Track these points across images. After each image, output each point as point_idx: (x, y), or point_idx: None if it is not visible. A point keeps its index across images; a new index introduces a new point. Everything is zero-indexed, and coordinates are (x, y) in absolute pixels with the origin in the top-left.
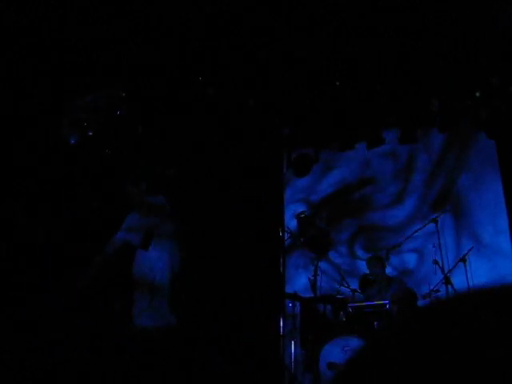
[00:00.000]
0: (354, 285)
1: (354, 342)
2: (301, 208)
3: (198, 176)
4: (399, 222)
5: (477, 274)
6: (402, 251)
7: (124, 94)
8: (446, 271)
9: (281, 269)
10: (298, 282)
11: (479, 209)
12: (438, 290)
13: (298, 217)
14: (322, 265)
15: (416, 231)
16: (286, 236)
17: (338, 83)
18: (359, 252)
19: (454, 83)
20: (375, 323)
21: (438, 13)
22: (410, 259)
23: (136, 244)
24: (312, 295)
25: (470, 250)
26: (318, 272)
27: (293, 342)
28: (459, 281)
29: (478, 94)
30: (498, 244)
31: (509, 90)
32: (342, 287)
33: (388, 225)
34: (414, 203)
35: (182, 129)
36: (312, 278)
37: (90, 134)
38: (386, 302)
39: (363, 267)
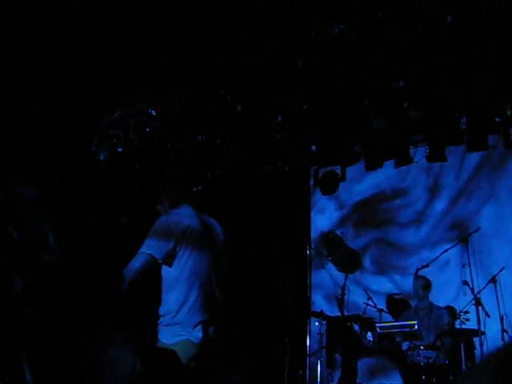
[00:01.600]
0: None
1: (382, 363)
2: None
3: (226, 193)
4: (415, 243)
5: (508, 295)
6: (431, 268)
7: (153, 112)
8: (475, 292)
9: (308, 287)
10: (321, 301)
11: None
12: (467, 311)
13: (326, 237)
14: (349, 284)
15: (445, 251)
16: (313, 255)
17: (366, 102)
18: (367, 263)
19: (483, 100)
20: (404, 344)
21: (466, 30)
22: (439, 278)
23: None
24: (339, 314)
25: (500, 270)
26: (346, 291)
27: (319, 362)
28: (489, 301)
29: (509, 113)
30: None
31: None
32: (367, 307)
33: (402, 243)
34: (432, 227)
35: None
36: (340, 296)
37: (120, 150)
38: (415, 322)
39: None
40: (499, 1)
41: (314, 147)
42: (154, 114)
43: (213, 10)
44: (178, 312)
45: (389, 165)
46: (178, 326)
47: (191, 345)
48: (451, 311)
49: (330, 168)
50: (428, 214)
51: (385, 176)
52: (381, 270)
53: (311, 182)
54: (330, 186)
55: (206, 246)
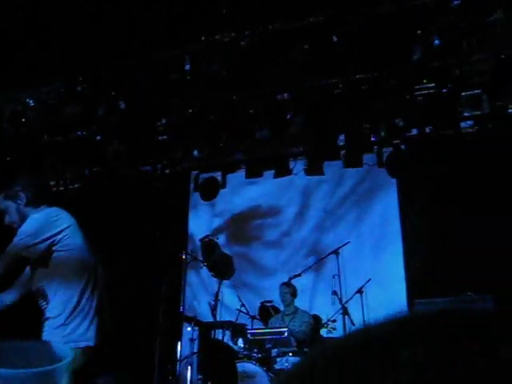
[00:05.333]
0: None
1: (252, 368)
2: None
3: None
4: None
5: (373, 304)
6: (300, 280)
7: (31, 102)
8: (343, 302)
9: (181, 292)
10: (199, 306)
11: (377, 240)
12: (334, 320)
13: (202, 241)
14: (223, 290)
15: (318, 261)
16: (189, 259)
17: (251, 111)
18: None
19: (361, 119)
20: (274, 350)
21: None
22: (307, 288)
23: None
24: (212, 320)
25: (367, 281)
26: (219, 297)
27: (189, 367)
28: (356, 311)
29: (382, 134)
30: (394, 274)
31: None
32: (240, 313)
33: (265, 263)
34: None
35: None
36: (213, 303)
37: None
38: (285, 330)
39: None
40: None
41: (195, 152)
42: (32, 104)
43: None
44: (60, 314)
45: (270, 181)
46: (61, 329)
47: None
48: (316, 318)
49: (210, 174)
50: (294, 233)
51: (263, 191)
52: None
53: (191, 187)
54: (209, 192)
55: (83, 250)
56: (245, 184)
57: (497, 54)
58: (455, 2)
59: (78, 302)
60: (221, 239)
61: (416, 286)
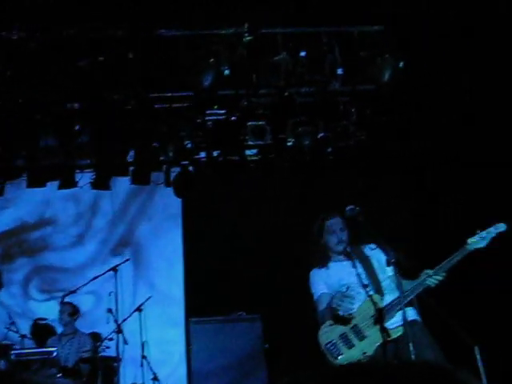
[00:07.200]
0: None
1: None
2: None
3: None
4: (79, 264)
5: (150, 322)
6: (79, 295)
7: None
8: (120, 320)
9: None
10: None
11: (158, 259)
12: (111, 339)
13: None
14: None
15: (94, 278)
16: None
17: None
18: (34, 293)
19: (150, 138)
20: (42, 371)
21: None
22: (87, 304)
23: None
24: None
25: (147, 299)
26: None
27: None
28: (133, 329)
29: (170, 154)
30: (173, 293)
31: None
32: (10, 332)
33: (66, 266)
34: (94, 247)
35: None
36: None
37: None
38: (53, 350)
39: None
40: None
41: None
42: None
43: None
44: None
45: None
46: None
47: None
48: (95, 337)
49: None
50: (84, 239)
51: (26, 209)
52: (50, 295)
53: None
54: None
55: None
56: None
57: (280, 91)
58: (247, 38)
59: None
60: None
61: (193, 305)
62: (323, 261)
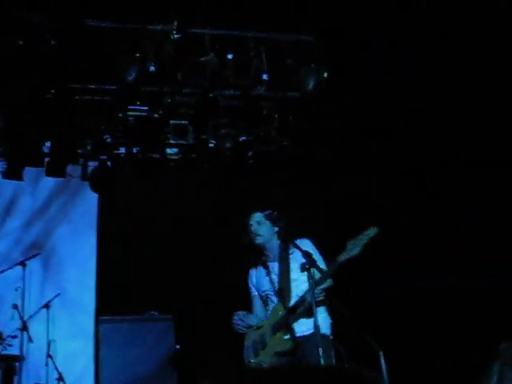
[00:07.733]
0: None
1: None
2: None
3: None
4: None
5: (58, 324)
6: None
7: None
8: (26, 317)
9: None
10: None
11: (71, 254)
12: (15, 336)
13: None
14: None
15: (1, 272)
16: None
17: None
18: None
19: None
20: None
21: None
22: None
23: None
24: None
25: (55, 296)
26: None
27: None
28: (40, 328)
29: (89, 147)
30: (82, 299)
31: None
32: None
33: None
34: (6, 244)
35: None
36: None
37: None
38: None
39: None
40: None
41: None
42: None
43: None
44: None
45: None
46: None
47: None
48: None
49: None
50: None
51: None
52: None
53: None
54: None
55: None
56: None
57: (204, 92)
58: (175, 36)
59: None
60: None
61: (105, 302)
62: (255, 261)
